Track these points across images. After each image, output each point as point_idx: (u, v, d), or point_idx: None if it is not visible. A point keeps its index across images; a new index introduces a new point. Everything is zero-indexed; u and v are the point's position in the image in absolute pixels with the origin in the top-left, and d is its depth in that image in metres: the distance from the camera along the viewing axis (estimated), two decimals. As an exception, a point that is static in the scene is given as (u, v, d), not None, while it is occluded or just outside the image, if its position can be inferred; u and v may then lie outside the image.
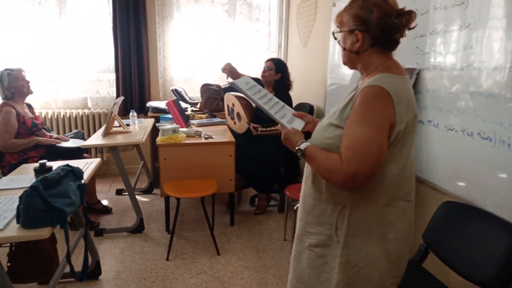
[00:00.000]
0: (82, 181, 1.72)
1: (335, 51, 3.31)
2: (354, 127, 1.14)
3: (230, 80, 3.57)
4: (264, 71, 3.40)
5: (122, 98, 3.45)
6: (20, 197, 1.45)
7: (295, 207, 2.60)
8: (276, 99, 1.56)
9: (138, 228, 3.10)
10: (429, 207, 2.02)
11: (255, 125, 3.22)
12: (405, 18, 1.16)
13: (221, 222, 3.27)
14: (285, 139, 1.37)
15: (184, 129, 3.24)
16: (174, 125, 3.13)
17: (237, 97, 3.53)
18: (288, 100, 3.35)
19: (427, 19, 2.09)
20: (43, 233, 1.43)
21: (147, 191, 3.97)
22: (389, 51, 1.24)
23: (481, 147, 1.75)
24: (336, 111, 1.26)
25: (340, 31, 1.27)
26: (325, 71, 3.46)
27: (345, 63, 1.34)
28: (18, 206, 1.44)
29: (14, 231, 1.45)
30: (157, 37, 4.39)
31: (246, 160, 3.30)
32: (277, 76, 3.38)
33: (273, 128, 3.06)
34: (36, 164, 1.74)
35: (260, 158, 3.33)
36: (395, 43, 1.23)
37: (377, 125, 1.11)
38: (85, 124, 4.30)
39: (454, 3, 1.90)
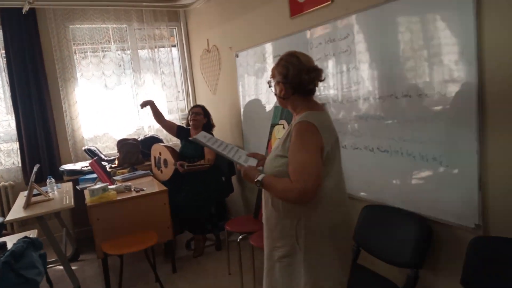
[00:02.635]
0: (42, 251, 1.72)
1: (245, 94, 3.72)
2: (295, 155, 1.47)
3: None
4: (194, 117, 3.64)
5: (38, 165, 3.32)
6: (-10, 276, 1.43)
7: (238, 239, 2.82)
8: (231, 145, 1.83)
9: (77, 297, 2.96)
10: (353, 214, 2.43)
11: (181, 162, 3.40)
12: (314, 74, 1.56)
13: (163, 271, 3.29)
14: (244, 175, 1.65)
15: (113, 186, 3.26)
16: (102, 184, 3.13)
17: (163, 145, 3.72)
18: (211, 132, 3.63)
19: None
20: (21, 306, 1.43)
21: (73, 259, 3.76)
22: (309, 96, 1.62)
23: (381, 158, 2.24)
24: (279, 145, 1.59)
25: (274, 81, 1.63)
26: (238, 113, 3.84)
27: (280, 104, 1.70)
28: (-11, 284, 1.42)
29: (-14, 312, 1.41)
30: (61, 99, 4.31)
31: (177, 205, 3.41)
32: (205, 120, 3.68)
33: (197, 163, 3.29)
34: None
35: (191, 200, 3.48)
36: (311, 91, 1.61)
37: (311, 150, 1.46)
38: (-10, 200, 3.94)
39: (340, 51, 2.43)
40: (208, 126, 3.72)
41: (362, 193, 2.40)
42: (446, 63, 1.81)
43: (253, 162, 1.76)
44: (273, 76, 1.64)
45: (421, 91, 1.94)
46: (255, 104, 3.55)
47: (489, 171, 1.68)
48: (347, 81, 2.43)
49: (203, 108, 3.74)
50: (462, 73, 1.74)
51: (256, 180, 1.56)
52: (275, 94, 1.65)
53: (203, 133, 1.85)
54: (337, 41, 2.47)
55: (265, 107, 3.38)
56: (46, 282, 1.82)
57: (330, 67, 2.54)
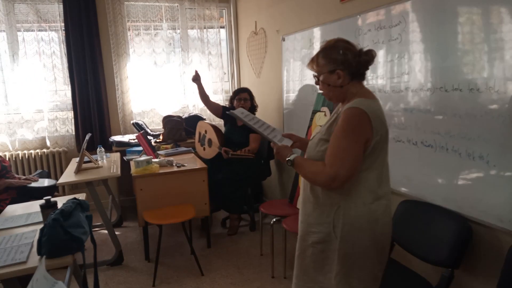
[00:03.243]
0: (88, 213, 1.85)
1: (289, 79, 3.71)
2: (337, 139, 1.45)
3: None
4: (243, 103, 3.72)
5: (89, 134, 3.52)
6: (42, 230, 1.56)
7: (271, 222, 2.87)
8: (267, 124, 1.86)
9: (118, 260, 3.16)
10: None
11: (226, 149, 3.48)
12: (370, 55, 1.53)
13: (198, 245, 3.42)
14: (277, 153, 1.68)
15: (157, 160, 3.40)
16: (147, 157, 3.28)
17: (210, 125, 3.81)
18: None
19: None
20: (67, 260, 1.56)
21: (117, 225, 4.00)
22: (361, 82, 1.58)
23: (424, 153, 2.17)
24: (323, 129, 1.58)
25: (320, 74, 1.56)
26: (281, 98, 3.84)
27: (329, 99, 1.63)
28: (40, 238, 1.56)
29: (36, 262, 1.55)
30: (114, 73, 4.52)
31: (216, 184, 3.51)
32: (250, 104, 3.76)
33: (242, 153, 3.34)
34: (41, 201, 1.84)
35: (229, 180, 3.56)
36: (364, 75, 1.57)
37: (355, 139, 1.43)
38: (45, 164, 4.25)
39: (390, 39, 2.35)
40: (252, 108, 3.78)
41: (402, 188, 2.34)
42: (507, 59, 1.70)
43: (287, 142, 1.78)
44: (317, 67, 1.56)
45: (474, 85, 1.84)
46: (298, 89, 3.53)
47: (541, 175, 1.59)
48: (396, 71, 2.35)
49: (249, 92, 3.79)
50: (520, 69, 1.63)
51: (287, 159, 1.58)
52: (329, 85, 1.54)
53: (241, 109, 1.91)
54: (388, 28, 2.39)
55: (308, 93, 3.35)
56: (91, 242, 1.95)
57: (379, 56, 2.47)
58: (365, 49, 1.53)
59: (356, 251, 1.50)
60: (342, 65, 1.50)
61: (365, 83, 1.60)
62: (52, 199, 1.86)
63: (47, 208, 1.81)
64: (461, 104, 1.92)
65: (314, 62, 1.57)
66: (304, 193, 1.65)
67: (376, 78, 2.52)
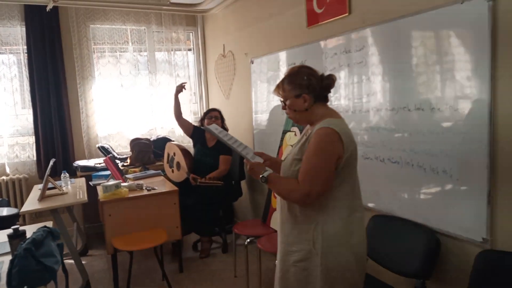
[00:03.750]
0: (59, 241, 1.78)
1: (257, 101, 3.79)
2: (309, 158, 1.52)
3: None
4: (214, 120, 3.69)
5: (53, 160, 3.40)
6: (12, 261, 1.49)
7: (246, 242, 2.86)
8: (239, 141, 1.91)
9: (85, 291, 3.02)
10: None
11: (194, 176, 3.45)
12: (331, 79, 1.63)
13: (170, 270, 3.34)
14: (250, 170, 1.72)
15: (126, 184, 3.32)
16: (116, 181, 3.20)
17: (179, 147, 3.76)
18: None
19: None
20: (39, 292, 1.49)
21: (82, 254, 3.82)
22: (325, 103, 1.67)
23: (392, 169, 2.28)
24: (295, 150, 1.64)
25: (287, 99, 1.64)
26: (251, 118, 3.90)
27: (296, 122, 1.72)
28: (10, 269, 1.48)
29: (6, 296, 1.47)
30: (78, 96, 4.42)
31: (187, 207, 3.47)
32: (221, 124, 3.74)
33: (210, 181, 3.31)
34: (8, 231, 1.75)
35: (200, 203, 3.54)
36: (327, 97, 1.67)
37: (326, 157, 1.50)
38: (4, 192, 4.03)
39: (355, 62, 2.48)
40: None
41: (371, 203, 2.43)
42: (458, 79, 1.85)
43: (259, 160, 1.83)
44: (283, 93, 1.64)
45: (434, 105, 1.98)
46: (268, 110, 3.61)
47: (499, 186, 1.71)
48: (360, 92, 2.48)
49: (220, 112, 3.81)
50: (475, 90, 1.78)
51: (261, 176, 1.62)
52: (294, 110, 1.63)
53: (215, 125, 1.98)
54: (352, 52, 2.52)
55: (277, 113, 3.43)
56: (62, 271, 1.87)
57: (343, 78, 2.59)
58: (326, 74, 1.64)
59: (337, 264, 1.54)
60: (307, 89, 1.59)
61: (335, 104, 1.69)
62: (21, 228, 1.78)
63: (15, 237, 1.73)
64: (423, 122, 2.05)
65: (280, 88, 1.66)
66: (282, 213, 1.69)
67: (340, 99, 2.63)
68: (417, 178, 2.11)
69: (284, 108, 1.68)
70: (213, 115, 3.75)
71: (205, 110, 4.95)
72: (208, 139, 3.76)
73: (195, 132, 3.87)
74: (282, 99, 1.67)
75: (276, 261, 1.74)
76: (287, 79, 1.64)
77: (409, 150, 2.15)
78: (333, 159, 1.50)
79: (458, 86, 1.86)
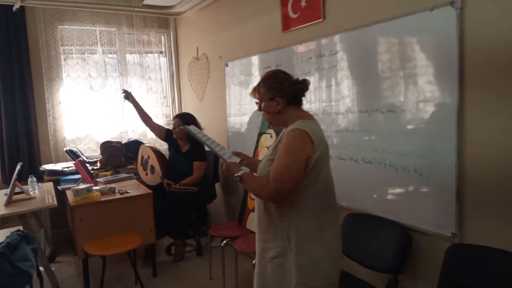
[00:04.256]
0: (34, 246, 1.72)
1: (231, 104, 3.81)
2: (280, 158, 1.58)
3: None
4: (174, 128, 3.61)
5: (20, 163, 3.27)
6: (-15, 266, 1.43)
7: (222, 244, 2.86)
8: (216, 142, 1.97)
9: (54, 298, 2.91)
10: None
11: (168, 182, 3.39)
12: (305, 83, 1.72)
13: (143, 275, 3.26)
14: (226, 170, 1.77)
15: (97, 187, 3.24)
16: (87, 185, 3.12)
17: (153, 151, 3.70)
18: (202, 151, 3.61)
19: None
20: (14, 297, 1.43)
21: (49, 260, 3.68)
22: (299, 106, 1.74)
23: (365, 169, 2.36)
24: (270, 151, 1.71)
25: (262, 101, 1.72)
26: (225, 121, 3.91)
27: (271, 123, 1.78)
28: (-17, 275, 1.42)
29: (-21, 302, 1.41)
30: (45, 99, 4.27)
31: (160, 210, 3.43)
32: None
33: (185, 187, 3.28)
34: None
35: (174, 207, 3.50)
36: (301, 100, 1.75)
37: (296, 157, 1.56)
38: (-36, 197, 3.82)
39: (329, 66, 2.56)
40: (191, 137, 3.56)
41: (345, 202, 2.50)
42: (428, 83, 1.96)
43: (235, 160, 1.90)
44: (259, 95, 1.72)
45: (405, 107, 2.08)
46: (242, 113, 3.64)
47: (466, 184, 1.82)
48: (335, 95, 2.56)
49: (181, 117, 3.64)
50: (444, 93, 1.88)
51: (236, 175, 1.69)
52: (268, 112, 1.71)
53: (193, 126, 2.02)
54: (326, 57, 2.60)
55: (253, 115, 3.47)
56: (37, 276, 1.81)
57: (318, 81, 2.67)
58: (300, 79, 1.72)
59: (311, 260, 1.59)
60: (280, 92, 1.67)
61: (308, 106, 1.76)
62: (-9, 232, 1.71)
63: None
64: (395, 124, 2.14)
65: (256, 91, 1.74)
66: (258, 212, 1.73)
67: (315, 102, 2.70)
68: (390, 177, 2.20)
69: (259, 109, 1.75)
70: (174, 122, 3.64)
71: (177, 113, 4.94)
72: (181, 145, 3.70)
73: (168, 135, 3.79)
74: (257, 101, 1.74)
75: (255, 259, 1.77)
76: (262, 82, 1.72)
77: (381, 150, 2.24)
78: (303, 159, 1.56)
79: (428, 90, 1.97)
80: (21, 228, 1.87)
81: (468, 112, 1.79)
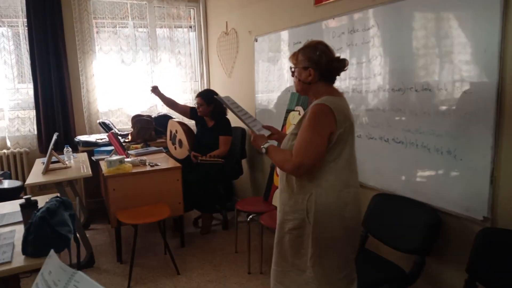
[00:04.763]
0: (71, 211, 1.81)
1: (259, 80, 3.79)
2: (303, 132, 1.61)
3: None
4: (198, 108, 3.66)
5: (57, 133, 3.41)
6: (27, 229, 1.52)
7: (248, 218, 2.92)
8: (249, 114, 1.98)
9: (88, 263, 3.07)
10: (363, 201, 2.51)
11: (195, 154, 3.47)
12: (342, 64, 1.70)
13: (172, 245, 3.39)
14: (253, 141, 1.84)
15: (129, 159, 3.34)
16: (119, 156, 3.22)
17: (181, 125, 3.76)
18: (227, 125, 3.67)
19: (344, 53, 2.64)
20: (54, 259, 1.52)
21: (84, 227, 3.86)
22: (330, 83, 1.73)
23: (396, 149, 2.31)
24: (295, 125, 1.73)
25: (296, 67, 1.73)
26: (253, 97, 3.90)
27: (298, 91, 1.79)
28: (26, 237, 1.51)
29: (22, 261, 1.51)
30: (79, 71, 4.38)
31: (188, 183, 3.50)
32: (211, 107, 3.64)
33: (211, 159, 3.33)
34: (20, 201, 1.78)
35: (202, 180, 3.57)
36: (334, 79, 1.74)
37: (319, 131, 1.58)
38: (5, 165, 4.04)
39: (363, 42, 2.48)
40: (216, 112, 3.65)
41: (372, 182, 2.47)
42: (468, 60, 1.87)
43: (266, 133, 1.93)
44: (296, 61, 1.72)
45: (441, 85, 2.00)
46: (271, 89, 3.61)
47: (502, 167, 1.76)
48: (368, 72, 2.49)
49: (203, 95, 3.65)
50: (484, 71, 1.80)
51: (262, 146, 1.74)
52: (299, 80, 1.72)
53: (227, 96, 2.02)
54: (360, 32, 2.52)
55: (282, 92, 3.44)
56: (74, 241, 1.91)
57: (351, 57, 2.60)
58: (341, 58, 1.70)
59: (327, 234, 1.63)
60: (316, 64, 1.66)
61: (338, 84, 1.74)
62: (32, 198, 1.80)
63: (28, 207, 1.75)
64: (429, 103, 2.07)
65: (295, 56, 1.74)
66: (281, 184, 1.78)
67: (349, 78, 2.64)
68: (421, 158, 2.15)
69: (292, 75, 1.76)
70: (196, 102, 3.69)
71: (205, 88, 4.97)
72: (207, 121, 3.74)
73: (193, 113, 3.84)
74: (292, 66, 1.75)
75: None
76: (302, 50, 1.71)
77: (414, 130, 2.18)
78: (326, 133, 1.58)
79: (466, 68, 1.88)
80: (58, 195, 1.95)
81: (508, 93, 1.71)
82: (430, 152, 2.10)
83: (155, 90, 3.85)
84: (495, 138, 1.76)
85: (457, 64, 1.92)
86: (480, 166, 1.84)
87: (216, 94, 3.68)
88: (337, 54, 1.72)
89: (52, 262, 0.93)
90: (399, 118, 2.28)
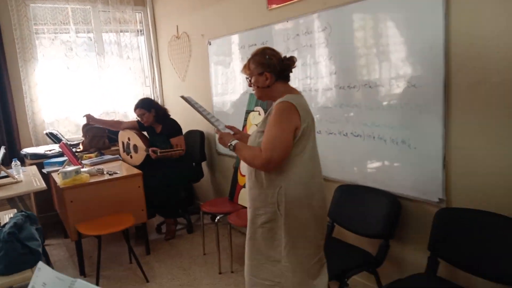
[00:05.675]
0: (37, 226, 1.73)
1: (215, 83, 3.81)
2: (270, 128, 1.70)
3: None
4: (141, 119, 3.63)
5: (4, 147, 3.19)
6: (-4, 246, 1.44)
7: (216, 219, 2.93)
8: (212, 113, 2.05)
9: (49, 281, 2.91)
10: (327, 193, 2.63)
11: (154, 148, 3.41)
12: (292, 60, 1.83)
13: (137, 253, 3.28)
14: (220, 139, 1.90)
15: (85, 169, 3.22)
16: (75, 167, 3.09)
17: (132, 130, 3.69)
18: (174, 126, 3.67)
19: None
20: (27, 275, 1.45)
21: (37, 245, 3.66)
22: (287, 81, 1.85)
23: (354, 142, 2.46)
24: (260, 123, 1.82)
25: (251, 76, 1.82)
26: (210, 100, 3.92)
27: (260, 98, 1.90)
28: (-4, 255, 1.43)
29: (-7, 281, 1.42)
30: (21, 80, 4.13)
31: (149, 189, 3.44)
32: (153, 113, 3.61)
33: (171, 150, 3.34)
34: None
35: (163, 185, 3.52)
36: (288, 76, 1.86)
37: (285, 127, 1.67)
38: None
39: (318, 43, 2.60)
40: (160, 116, 3.64)
41: (335, 175, 2.60)
42: (416, 57, 2.04)
43: (229, 132, 2.00)
44: (249, 71, 1.82)
45: (393, 81, 2.17)
46: (228, 91, 3.65)
47: (452, 152, 1.94)
48: (324, 70, 2.61)
49: (141, 105, 3.61)
50: (431, 67, 1.97)
51: (229, 144, 1.81)
52: (258, 87, 1.81)
53: (190, 97, 2.08)
54: (314, 33, 2.64)
55: (240, 94, 3.49)
56: (43, 255, 1.82)
57: (307, 58, 2.71)
58: (288, 56, 1.83)
59: (298, 224, 1.74)
60: (269, 67, 1.78)
61: (296, 82, 1.84)
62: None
63: (-10, 224, 1.65)
64: (383, 98, 2.23)
65: (246, 67, 1.85)
66: (249, 180, 1.85)
67: (306, 78, 2.75)
68: (379, 149, 2.31)
69: (250, 85, 1.85)
70: (136, 113, 3.65)
71: (158, 93, 4.90)
72: (155, 127, 3.70)
73: (141, 126, 3.79)
74: (247, 77, 1.84)
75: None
76: (252, 58, 1.82)
77: (370, 124, 2.34)
78: (291, 129, 1.68)
79: (415, 61, 2.05)
80: (23, 209, 1.85)
81: (454, 85, 1.89)
82: (386, 143, 2.26)
83: (90, 119, 3.83)
84: (444, 127, 1.95)
85: (406, 61, 2.09)
86: (432, 153, 2.01)
87: (152, 100, 3.77)
88: (289, 55, 1.84)
89: (45, 274, 0.89)
90: (355, 114, 2.42)
